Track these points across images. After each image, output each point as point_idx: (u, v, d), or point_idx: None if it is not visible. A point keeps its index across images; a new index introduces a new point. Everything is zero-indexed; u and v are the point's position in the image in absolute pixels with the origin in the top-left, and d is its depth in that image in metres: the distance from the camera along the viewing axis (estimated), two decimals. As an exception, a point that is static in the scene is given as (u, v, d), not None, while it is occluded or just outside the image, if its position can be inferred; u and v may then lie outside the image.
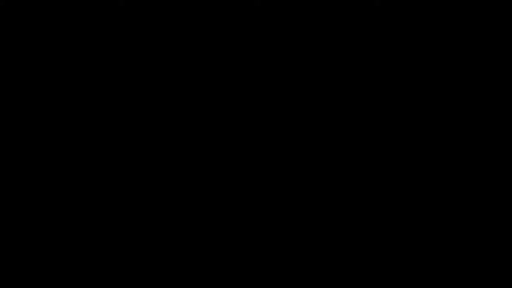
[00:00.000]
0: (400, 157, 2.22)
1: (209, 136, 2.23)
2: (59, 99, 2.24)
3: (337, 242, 2.20)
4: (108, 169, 2.22)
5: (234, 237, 2.21)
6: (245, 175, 2.23)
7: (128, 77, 2.25)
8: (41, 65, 2.24)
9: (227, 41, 2.25)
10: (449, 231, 2.19)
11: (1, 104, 2.23)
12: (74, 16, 2.25)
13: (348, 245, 2.20)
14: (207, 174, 2.23)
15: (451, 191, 2.20)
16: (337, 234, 2.21)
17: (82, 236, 2.20)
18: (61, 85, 2.24)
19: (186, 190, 2.22)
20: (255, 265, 2.20)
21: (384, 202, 2.21)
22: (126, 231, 2.21)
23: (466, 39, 2.23)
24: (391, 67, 2.23)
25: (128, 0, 2.25)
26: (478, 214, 2.19)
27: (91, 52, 2.24)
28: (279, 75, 2.24)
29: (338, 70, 2.24)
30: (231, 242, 2.21)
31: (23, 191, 2.21)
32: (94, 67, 2.24)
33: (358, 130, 2.22)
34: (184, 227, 2.21)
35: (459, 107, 2.22)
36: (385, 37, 2.24)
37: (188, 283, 2.20)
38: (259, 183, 2.22)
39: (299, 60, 2.24)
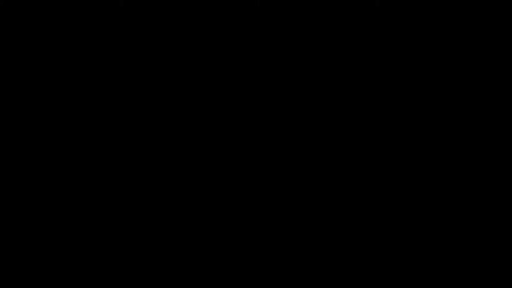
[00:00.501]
0: (400, 157, 2.22)
1: (209, 136, 2.23)
2: (59, 99, 2.24)
3: (337, 242, 2.20)
4: (108, 168, 2.23)
5: (234, 237, 2.21)
6: (245, 175, 2.23)
7: (128, 77, 2.25)
8: (41, 65, 2.25)
9: (227, 41, 2.25)
10: (449, 231, 2.20)
11: (1, 104, 2.23)
12: (74, 16, 2.25)
13: (348, 245, 2.20)
14: (207, 174, 2.23)
15: (451, 191, 2.20)
16: (337, 234, 2.21)
17: (82, 236, 2.21)
18: (61, 85, 2.24)
19: (186, 190, 2.22)
20: (255, 265, 2.20)
21: (384, 202, 2.21)
22: (126, 231, 2.21)
23: (466, 39, 2.23)
24: (391, 67, 2.24)
25: (128, 0, 2.25)
26: (478, 214, 2.20)
27: (91, 52, 2.25)
28: (279, 75, 2.25)
29: (338, 70, 2.24)
30: (231, 242, 2.21)
31: (23, 191, 2.21)
32: (94, 67, 2.25)
33: (358, 130, 2.23)
34: (184, 227, 2.22)
35: (458, 107, 2.22)
36: (385, 37, 2.24)
37: (188, 283, 2.20)
38: (259, 183, 2.22)
39: (299, 60, 2.24)
